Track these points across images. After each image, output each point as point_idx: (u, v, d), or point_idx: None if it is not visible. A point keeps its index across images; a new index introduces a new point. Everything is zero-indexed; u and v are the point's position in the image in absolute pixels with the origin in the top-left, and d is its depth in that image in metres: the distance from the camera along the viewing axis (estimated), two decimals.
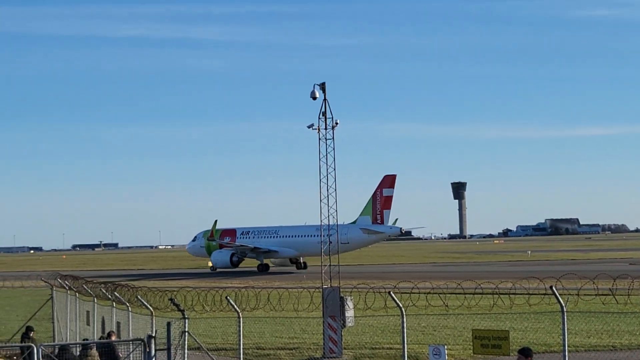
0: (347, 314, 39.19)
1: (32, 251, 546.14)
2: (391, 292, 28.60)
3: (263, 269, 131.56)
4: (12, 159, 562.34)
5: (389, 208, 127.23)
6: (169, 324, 27.68)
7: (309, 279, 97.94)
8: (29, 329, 37.61)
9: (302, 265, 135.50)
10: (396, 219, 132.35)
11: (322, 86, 44.04)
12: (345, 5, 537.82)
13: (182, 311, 29.07)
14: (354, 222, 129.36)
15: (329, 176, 43.99)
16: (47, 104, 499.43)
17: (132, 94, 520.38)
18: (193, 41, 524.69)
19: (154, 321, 31.71)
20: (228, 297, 30.19)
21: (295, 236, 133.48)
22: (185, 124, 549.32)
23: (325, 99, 43.87)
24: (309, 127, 44.23)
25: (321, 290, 39.81)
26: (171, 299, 29.96)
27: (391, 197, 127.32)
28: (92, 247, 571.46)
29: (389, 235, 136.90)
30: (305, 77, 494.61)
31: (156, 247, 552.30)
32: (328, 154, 43.82)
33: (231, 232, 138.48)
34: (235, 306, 29.85)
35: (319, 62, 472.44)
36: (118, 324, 36.46)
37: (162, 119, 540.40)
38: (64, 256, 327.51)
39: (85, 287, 42.52)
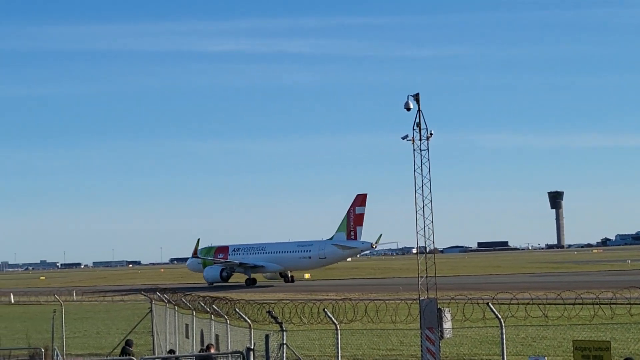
0: (445, 326, 38.86)
1: (130, 265, 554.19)
2: (489, 303, 28.30)
3: (250, 283, 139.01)
4: (110, 174, 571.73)
5: (361, 225, 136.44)
6: (267, 337, 27.79)
7: (405, 291, 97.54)
8: (129, 342, 38.09)
9: (290, 278, 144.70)
10: (380, 235, 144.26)
11: (416, 97, 43.88)
12: (438, 17, 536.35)
13: (280, 324, 29.15)
14: (330, 239, 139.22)
15: (424, 187, 43.74)
16: (143, 119, 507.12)
17: (225, 110, 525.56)
18: (286, 55, 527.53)
19: (252, 334, 31.87)
20: (325, 310, 30.19)
21: (280, 252, 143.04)
22: (279, 138, 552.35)
23: (419, 110, 43.69)
24: (403, 138, 44.07)
25: (418, 301, 39.60)
26: (269, 312, 30.07)
27: (362, 214, 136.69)
28: (186, 260, 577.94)
29: (361, 250, 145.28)
30: (399, 88, 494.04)
31: None
32: (423, 165, 43.61)
33: (224, 249, 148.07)
34: (333, 318, 29.83)
35: (412, 74, 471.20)
36: (217, 336, 36.71)
37: (256, 133, 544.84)
38: (162, 270, 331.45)
39: (184, 300, 42.94)
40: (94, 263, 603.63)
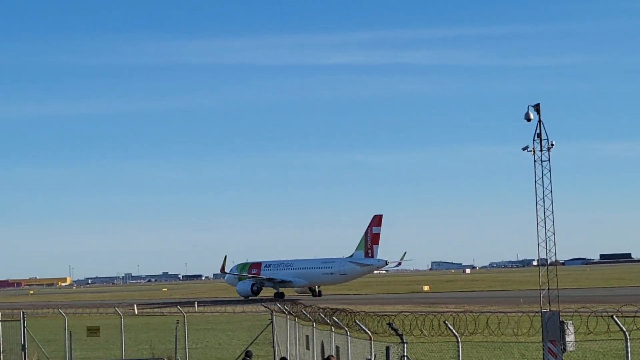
0: (567, 339, 38.32)
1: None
2: (614, 316, 27.84)
3: (279, 296, 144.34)
4: (230, 187, 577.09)
5: (377, 243, 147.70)
6: (387, 349, 27.82)
7: (526, 303, 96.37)
8: (248, 353, 38.51)
9: (318, 293, 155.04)
10: (405, 253, 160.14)
11: (537, 107, 43.47)
12: (557, 25, 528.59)
13: (401, 335, 29.14)
14: (350, 256, 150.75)
15: (545, 199, 43.22)
16: (265, 131, 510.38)
17: (344, 121, 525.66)
18: (403, 66, 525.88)
19: (372, 345, 31.91)
20: (446, 322, 30.08)
21: (305, 268, 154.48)
22: (395, 149, 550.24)
23: (540, 121, 43.26)
24: (523, 149, 43.69)
25: (540, 314, 39.13)
26: (389, 324, 30.09)
27: (378, 234, 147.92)
28: None
29: (377, 267, 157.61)
30: (518, 99, 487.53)
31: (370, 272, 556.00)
32: (544, 176, 43.13)
33: (257, 265, 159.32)
34: (454, 330, 29.69)
35: (532, 84, 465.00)
36: (337, 348, 36.87)
37: (374, 145, 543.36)
38: None
39: (304, 312, 43.23)
40: (214, 275, 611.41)
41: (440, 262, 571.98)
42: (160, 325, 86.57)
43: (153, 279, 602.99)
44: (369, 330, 33.19)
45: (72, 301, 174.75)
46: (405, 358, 28.78)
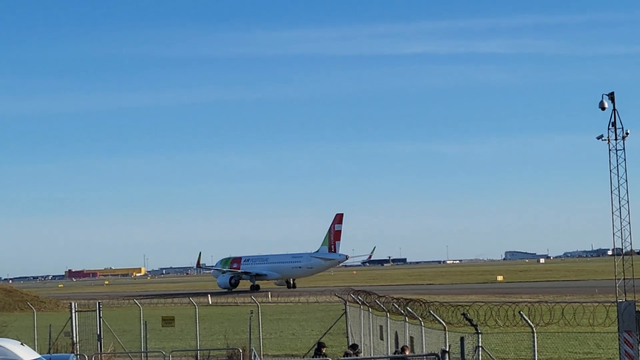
0: None
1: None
2: None
3: (254, 289, 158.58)
4: (308, 177, 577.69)
5: (339, 240, 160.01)
6: (462, 339, 27.74)
7: (601, 293, 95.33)
8: (321, 344, 38.66)
9: (292, 285, 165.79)
10: (374, 247, 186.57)
11: (611, 96, 42.96)
12: (633, 13, 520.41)
13: (475, 326, 29.03)
14: (316, 252, 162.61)
15: (620, 188, 42.72)
16: (343, 121, 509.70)
17: (420, 110, 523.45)
18: (479, 56, 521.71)
19: (447, 336, 31.83)
20: (521, 312, 29.89)
21: (277, 262, 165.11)
22: (471, 138, 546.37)
23: (614, 109, 42.78)
24: (598, 138, 43.25)
25: (616, 304, 38.71)
26: (464, 314, 30.00)
27: (340, 231, 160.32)
28: (381, 262, 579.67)
29: (339, 261, 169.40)
30: (593, 88, 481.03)
31: (444, 261, 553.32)
32: (619, 165, 42.62)
33: (238, 260, 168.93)
34: (529, 321, 29.49)
35: (607, 72, 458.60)
36: (411, 338, 36.85)
37: (449, 135, 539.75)
38: (355, 272, 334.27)
39: (378, 302, 43.27)
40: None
41: (514, 252, 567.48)
42: (234, 315, 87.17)
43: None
44: (443, 320, 33.13)
45: (147, 291, 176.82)
46: (480, 348, 28.68)
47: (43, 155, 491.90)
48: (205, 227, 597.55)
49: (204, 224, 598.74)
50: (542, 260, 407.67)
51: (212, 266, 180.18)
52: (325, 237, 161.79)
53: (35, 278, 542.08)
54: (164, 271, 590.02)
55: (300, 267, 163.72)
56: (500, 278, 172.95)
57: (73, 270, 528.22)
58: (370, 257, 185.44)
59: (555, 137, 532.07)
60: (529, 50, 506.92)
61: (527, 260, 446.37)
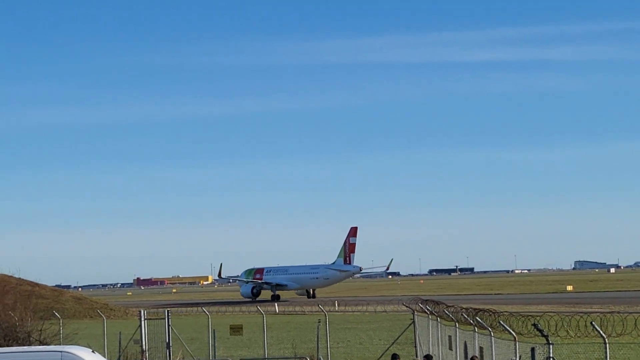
0: None
1: (390, 276, 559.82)
2: None
3: (275, 299, 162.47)
4: (381, 184, 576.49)
5: (354, 252, 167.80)
6: (533, 350, 27.41)
7: None
8: (395, 356, 38.37)
9: (312, 295, 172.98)
10: (391, 259, 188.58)
11: None
12: None
13: (546, 336, 28.66)
14: (332, 263, 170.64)
15: None
16: (398, 131, 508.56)
17: (487, 117, 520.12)
18: (548, 62, 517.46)
19: (517, 347, 31.48)
20: (593, 322, 29.44)
21: (297, 273, 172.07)
22: (542, 145, 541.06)
23: None
24: None
25: None
26: (535, 324, 29.63)
27: (355, 244, 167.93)
28: (448, 271, 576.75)
29: (353, 273, 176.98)
30: None
31: (512, 271, 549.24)
32: None
33: (260, 271, 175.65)
34: (601, 331, 29.03)
35: None
36: (481, 349, 36.51)
37: (512, 141, 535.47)
38: (422, 281, 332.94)
39: (447, 312, 42.97)
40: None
41: (584, 261, 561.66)
42: (302, 324, 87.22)
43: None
44: (513, 330, 32.76)
45: (215, 299, 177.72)
46: (552, 359, 28.30)
47: (112, 165, 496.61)
48: (272, 236, 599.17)
49: (271, 232, 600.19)
50: (612, 270, 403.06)
51: (234, 277, 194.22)
52: (340, 250, 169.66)
53: (104, 286, 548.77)
54: (230, 280, 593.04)
55: (317, 278, 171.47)
56: (570, 288, 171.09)
57: (141, 279, 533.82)
58: (388, 268, 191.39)
59: (626, 145, 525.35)
60: (599, 56, 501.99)
61: (597, 270, 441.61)
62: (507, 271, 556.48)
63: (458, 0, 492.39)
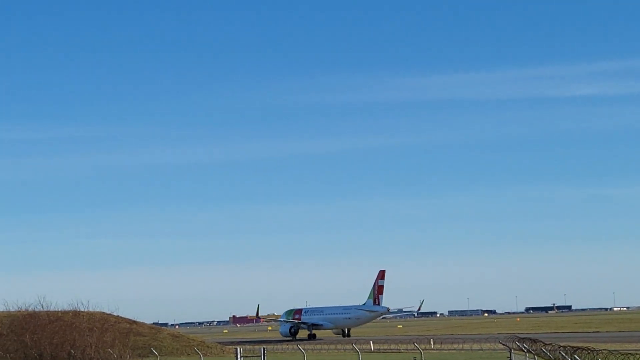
0: None
1: (485, 314, 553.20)
2: None
3: (311, 337, 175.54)
4: (469, 222, 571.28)
5: (382, 293, 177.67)
6: None
7: None
8: None
9: (347, 334, 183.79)
10: (422, 300, 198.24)
11: None
12: None
13: None
14: (363, 304, 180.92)
15: None
16: (505, 166, 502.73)
17: (589, 153, 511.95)
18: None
19: None
20: None
21: (331, 314, 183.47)
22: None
23: None
24: None
25: None
26: None
27: (383, 285, 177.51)
28: (545, 309, 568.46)
29: (381, 313, 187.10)
30: None
31: (610, 309, 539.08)
32: None
33: (299, 311, 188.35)
34: None
35: None
36: None
37: (618, 176, 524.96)
38: (518, 319, 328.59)
39: (544, 350, 42.57)
40: (449, 312, 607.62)
41: None
42: None
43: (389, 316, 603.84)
44: None
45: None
46: None
47: (209, 203, 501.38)
48: (365, 274, 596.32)
49: (364, 270, 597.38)
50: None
51: (268, 317, 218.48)
52: (370, 292, 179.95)
53: (200, 324, 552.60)
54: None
55: (349, 318, 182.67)
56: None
57: (237, 316, 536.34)
58: (419, 309, 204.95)
59: None
60: None
61: None
62: (606, 309, 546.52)
63: (554, 35, 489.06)
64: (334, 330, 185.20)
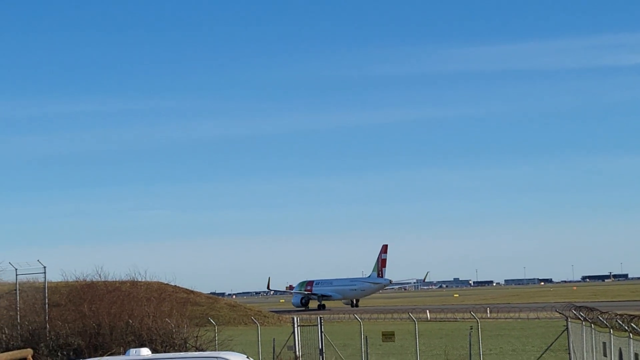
0: None
1: (542, 283, 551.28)
2: None
3: (321, 308, 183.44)
4: (517, 193, 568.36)
5: (385, 267, 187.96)
6: None
7: None
8: None
9: (355, 304, 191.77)
10: (427, 272, 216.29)
11: None
12: None
13: None
14: (368, 277, 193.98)
15: None
16: (556, 137, 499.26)
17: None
18: None
19: None
20: None
21: (339, 285, 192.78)
22: None
23: None
24: None
25: None
26: None
27: (386, 259, 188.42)
28: (602, 278, 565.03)
29: (384, 285, 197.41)
30: None
31: None
32: None
33: (311, 283, 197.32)
34: None
35: None
36: (636, 355, 35.92)
37: None
38: (575, 287, 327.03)
39: (601, 318, 42.43)
40: (505, 281, 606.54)
41: None
42: (453, 331, 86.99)
43: (444, 285, 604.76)
44: None
45: (366, 307, 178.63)
46: None
47: (269, 174, 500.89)
48: (424, 244, 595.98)
49: (424, 240, 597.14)
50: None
51: (280, 291, 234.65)
52: (375, 265, 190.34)
53: (257, 293, 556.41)
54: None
55: (355, 290, 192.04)
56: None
57: (293, 286, 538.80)
58: (424, 280, 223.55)
59: None
60: None
61: None
62: None
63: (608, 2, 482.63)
64: (343, 300, 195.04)
